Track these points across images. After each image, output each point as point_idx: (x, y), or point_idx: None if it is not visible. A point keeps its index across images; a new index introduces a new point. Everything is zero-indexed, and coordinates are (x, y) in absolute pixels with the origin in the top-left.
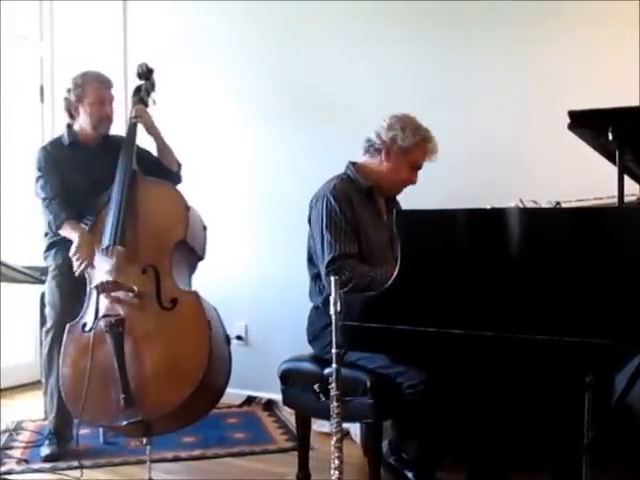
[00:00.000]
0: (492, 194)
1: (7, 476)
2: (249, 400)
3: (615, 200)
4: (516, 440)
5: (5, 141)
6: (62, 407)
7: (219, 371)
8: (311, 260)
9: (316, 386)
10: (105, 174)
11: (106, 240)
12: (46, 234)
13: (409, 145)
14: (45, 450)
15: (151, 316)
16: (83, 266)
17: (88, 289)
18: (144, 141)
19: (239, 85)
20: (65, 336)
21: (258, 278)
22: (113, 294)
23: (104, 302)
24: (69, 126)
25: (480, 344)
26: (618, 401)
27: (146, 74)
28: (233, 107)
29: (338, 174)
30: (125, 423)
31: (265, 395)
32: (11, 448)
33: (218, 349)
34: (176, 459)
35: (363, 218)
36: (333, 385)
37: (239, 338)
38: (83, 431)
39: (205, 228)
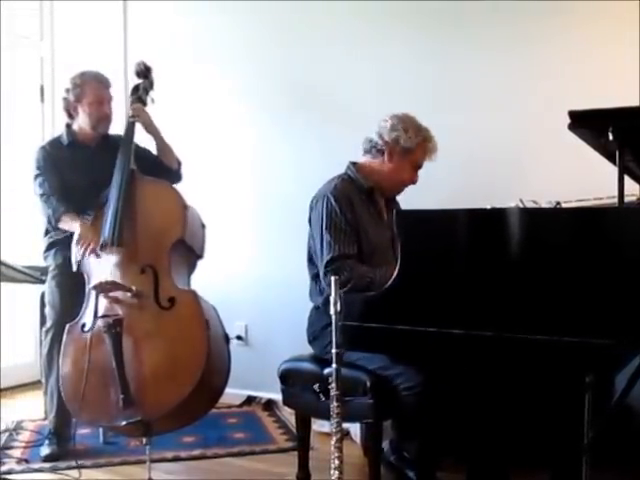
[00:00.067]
0: (492, 194)
1: (7, 476)
2: (249, 400)
3: (615, 200)
4: (516, 440)
5: (5, 141)
6: (62, 407)
7: (218, 370)
8: (311, 260)
9: (316, 386)
10: (104, 174)
11: (105, 233)
12: (46, 233)
13: (412, 146)
14: (45, 450)
15: (149, 316)
16: (89, 251)
17: (87, 289)
18: (144, 140)
19: (241, 85)
20: (65, 336)
21: (259, 278)
22: (111, 294)
23: (103, 302)
24: (68, 126)
25: (480, 344)
26: (618, 401)
27: (144, 72)
28: (236, 107)
29: (339, 174)
30: (124, 423)
31: (265, 395)
32: (11, 448)
33: (217, 348)
34: (176, 459)
35: (364, 218)
36: (333, 385)
37: (239, 338)
38: (83, 431)
39: (204, 227)
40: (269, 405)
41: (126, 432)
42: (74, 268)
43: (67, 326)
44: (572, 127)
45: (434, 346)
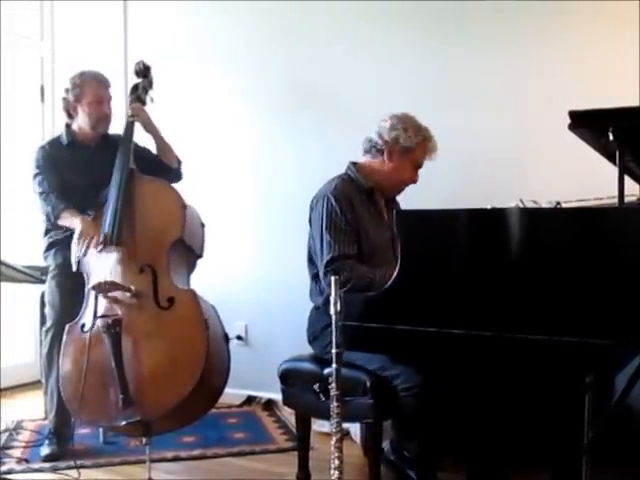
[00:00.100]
0: (492, 194)
1: (7, 475)
2: (249, 400)
3: (615, 200)
4: (516, 440)
5: (5, 141)
6: (62, 407)
7: (217, 370)
8: (311, 260)
9: (316, 386)
10: (104, 174)
11: (105, 229)
12: (46, 233)
13: (411, 145)
14: (45, 450)
15: (148, 316)
16: (91, 245)
17: (86, 289)
18: (143, 139)
19: (242, 85)
20: (64, 336)
21: (259, 278)
22: (110, 294)
23: (102, 302)
24: (68, 126)
25: (481, 344)
26: (618, 401)
27: (143, 72)
28: (236, 107)
29: (339, 174)
30: (124, 423)
31: (265, 395)
32: (11, 448)
33: (216, 348)
34: (176, 459)
35: (364, 218)
36: (333, 385)
37: (239, 338)
38: (83, 431)
39: (203, 226)
40: (269, 405)
41: (126, 432)
42: (74, 268)
43: (67, 326)
44: (572, 127)
45: (434, 346)
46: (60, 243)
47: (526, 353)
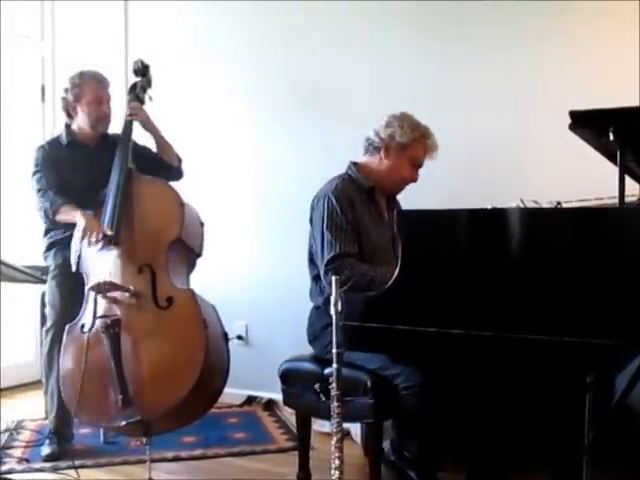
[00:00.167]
0: (493, 194)
1: (8, 475)
2: (249, 400)
3: (616, 200)
4: (516, 440)
5: (6, 141)
6: (62, 407)
7: (217, 369)
8: (312, 260)
9: (317, 386)
10: (103, 173)
11: (106, 220)
12: (46, 233)
13: (407, 141)
14: (46, 450)
15: (147, 315)
16: (100, 236)
17: (86, 289)
18: (143, 137)
19: (243, 85)
20: (65, 337)
21: (259, 278)
22: (109, 294)
23: (102, 302)
24: (67, 126)
25: (481, 344)
26: (619, 402)
27: (142, 71)
28: (237, 107)
29: (339, 174)
30: (124, 423)
31: (265, 395)
32: (12, 447)
33: (215, 347)
34: (176, 459)
35: (364, 218)
36: (334, 385)
37: (240, 338)
38: (84, 431)
39: (202, 225)
40: (269, 405)
41: (126, 432)
42: (73, 268)
43: (67, 326)
44: (573, 127)
45: (435, 346)
46: (60, 243)
47: (526, 353)
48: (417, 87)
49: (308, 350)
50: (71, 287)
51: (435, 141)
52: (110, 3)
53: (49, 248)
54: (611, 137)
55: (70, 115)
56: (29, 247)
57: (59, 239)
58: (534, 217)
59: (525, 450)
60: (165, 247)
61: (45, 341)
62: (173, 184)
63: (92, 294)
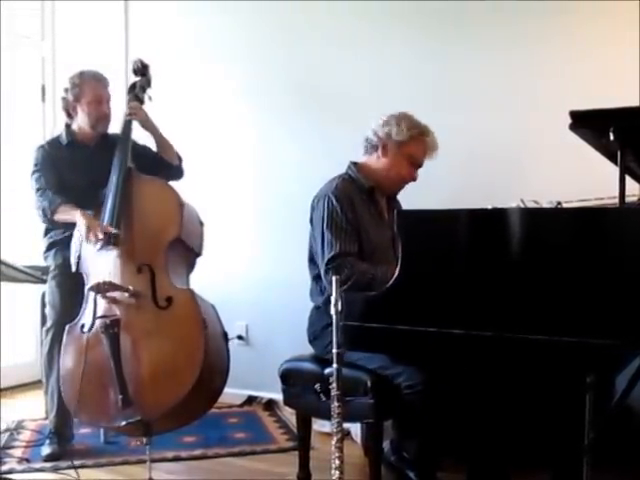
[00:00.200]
0: (493, 194)
1: (8, 475)
2: (250, 400)
3: (616, 200)
4: (517, 440)
5: (6, 141)
6: (62, 406)
7: (216, 369)
8: (312, 260)
9: (317, 386)
10: (103, 173)
11: (105, 220)
12: (46, 233)
13: (404, 139)
14: (46, 449)
15: (147, 315)
16: (101, 236)
17: (85, 290)
18: (143, 137)
19: (244, 85)
20: (65, 337)
21: (260, 278)
22: (109, 294)
23: (101, 303)
24: (68, 126)
25: (482, 344)
26: (619, 402)
27: (141, 70)
28: (238, 107)
29: (340, 174)
30: (124, 423)
31: (266, 395)
32: (12, 447)
33: (215, 347)
34: (177, 459)
35: (365, 218)
36: (334, 385)
37: (240, 338)
38: (84, 430)
39: (202, 224)
40: (270, 405)
41: (126, 432)
42: (73, 268)
43: (67, 327)
44: (573, 127)
45: (435, 346)
46: (60, 243)
47: (527, 353)
48: (417, 87)
49: (308, 350)
50: (71, 287)
51: (434, 140)
52: (110, 3)
53: (49, 248)
54: (611, 137)
55: (70, 115)
56: (29, 247)
57: (59, 239)
58: (534, 217)
59: (525, 450)
60: (164, 247)
61: (45, 341)
62: (173, 183)
63: (92, 294)
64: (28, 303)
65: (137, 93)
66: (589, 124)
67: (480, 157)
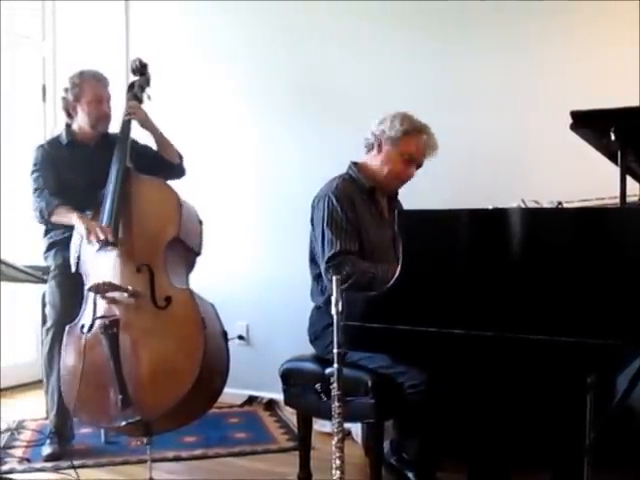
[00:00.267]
0: (494, 194)
1: (9, 475)
2: (250, 400)
3: (617, 200)
4: (517, 440)
5: (7, 141)
6: (62, 406)
7: (216, 368)
8: (313, 260)
9: (317, 386)
10: (104, 173)
11: (104, 220)
12: (46, 233)
13: (397, 135)
14: (46, 449)
15: (146, 315)
16: (101, 237)
17: (85, 290)
18: (144, 136)
19: (245, 85)
20: (65, 337)
21: (261, 278)
22: (108, 294)
23: (101, 303)
24: (68, 126)
25: (483, 344)
26: (620, 402)
27: (140, 69)
28: (239, 107)
29: (340, 174)
30: (124, 423)
31: (266, 395)
32: (13, 447)
33: (214, 346)
34: (177, 459)
35: (365, 218)
36: (334, 385)
37: (241, 338)
38: (84, 430)
39: (201, 223)
40: (270, 405)
41: (127, 432)
42: (73, 268)
43: (67, 327)
44: (574, 127)
45: (436, 346)
46: (60, 243)
47: (527, 353)
48: (418, 87)
49: (309, 350)
50: (71, 287)
51: (433, 139)
52: (111, 3)
53: (49, 248)
54: (612, 137)
55: (70, 115)
56: (30, 247)
57: (59, 239)
58: (535, 217)
59: (526, 450)
60: (163, 247)
61: (45, 340)
62: (173, 183)
63: (91, 295)
64: (28, 303)
65: (136, 92)
66: (590, 124)
67: (481, 157)
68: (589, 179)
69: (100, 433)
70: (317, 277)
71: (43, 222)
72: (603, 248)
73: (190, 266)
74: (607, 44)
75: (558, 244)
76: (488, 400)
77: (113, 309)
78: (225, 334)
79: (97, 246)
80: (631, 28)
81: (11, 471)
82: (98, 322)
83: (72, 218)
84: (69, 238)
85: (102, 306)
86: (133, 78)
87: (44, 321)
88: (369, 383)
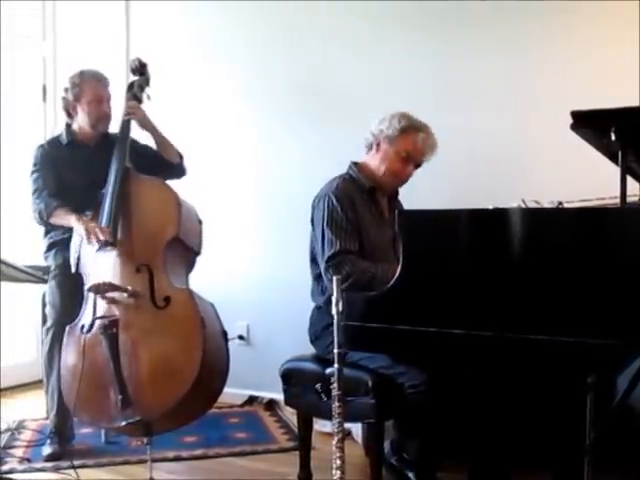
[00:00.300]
0: (494, 194)
1: (9, 475)
2: (251, 400)
3: (617, 200)
4: (518, 440)
5: (7, 141)
6: (62, 406)
7: (216, 368)
8: (314, 260)
9: (318, 386)
10: (104, 173)
11: (103, 221)
12: (46, 234)
13: (395, 133)
14: (47, 449)
15: (145, 315)
16: (100, 237)
17: (84, 290)
18: (145, 136)
19: (245, 85)
20: (65, 337)
21: (261, 278)
22: (108, 295)
23: (101, 303)
24: (68, 125)
25: (483, 344)
26: (620, 402)
27: (139, 69)
28: (239, 107)
29: (340, 174)
30: (124, 424)
31: (267, 395)
32: (13, 447)
33: (213, 346)
34: (178, 459)
35: (365, 218)
36: (335, 385)
37: (241, 338)
38: (85, 430)
39: (201, 222)
40: (271, 405)
41: (127, 432)
42: (73, 269)
43: (67, 327)
44: (574, 127)
45: (437, 347)
46: (60, 244)
47: (528, 353)
48: (419, 87)
49: (309, 350)
50: (71, 287)
51: (432, 138)
52: (111, 3)
53: (49, 248)
54: (612, 137)
55: (70, 115)
56: (30, 247)
57: (59, 239)
58: (535, 217)
59: (527, 450)
60: (162, 247)
61: (45, 340)
62: (173, 183)
63: (91, 295)
64: (28, 303)
65: (135, 92)
66: (590, 124)
67: (481, 157)
68: (589, 179)
69: (100, 433)
70: (318, 277)
71: (42, 224)
72: (603, 248)
73: (190, 266)
74: (607, 44)
75: (558, 244)
76: (488, 400)
77: (113, 309)
78: (225, 333)
79: (97, 246)
80: (631, 28)
81: (11, 471)
82: (98, 322)
83: (71, 220)
84: (69, 238)
85: (102, 306)
86: (133, 78)
87: (44, 321)
88: (369, 383)
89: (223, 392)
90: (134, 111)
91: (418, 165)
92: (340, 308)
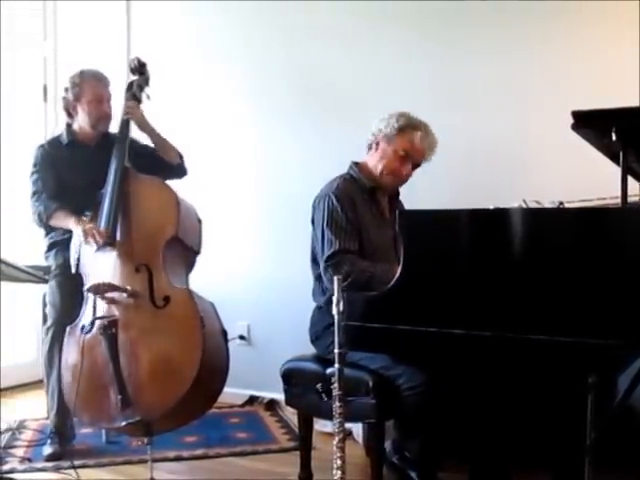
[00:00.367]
0: (495, 194)
1: (10, 475)
2: (251, 400)
3: (618, 201)
4: (518, 441)
5: (7, 141)
6: (63, 406)
7: (216, 367)
8: (315, 260)
9: (319, 386)
10: (104, 173)
11: (102, 222)
12: (47, 234)
13: (393, 131)
14: (47, 449)
15: (145, 315)
16: (99, 239)
17: (84, 291)
18: (144, 136)
19: (245, 85)
20: (65, 338)
21: (261, 278)
22: (107, 295)
23: (100, 304)
24: (68, 125)
25: (484, 345)
26: (621, 402)
27: (139, 69)
28: (239, 107)
29: (341, 174)
30: (124, 424)
31: (267, 395)
32: (14, 447)
33: (213, 345)
34: (178, 459)
35: (365, 218)
36: (336, 385)
37: (242, 338)
38: (85, 430)
39: (200, 222)
40: (271, 405)
41: (127, 432)
42: (73, 269)
43: (68, 328)
44: (575, 127)
45: (438, 346)
46: (61, 244)
47: (528, 353)
48: (419, 87)
49: (310, 350)
50: (72, 287)
51: (431, 137)
52: (112, 3)
53: (50, 248)
54: (613, 137)
55: (71, 114)
56: (30, 247)
57: (60, 240)
58: (536, 217)
59: (527, 450)
60: (161, 246)
61: (45, 339)
62: (173, 182)
63: (91, 295)
64: (29, 303)
65: (134, 92)
66: (591, 124)
67: (482, 157)
68: (590, 179)
69: (101, 433)
70: (319, 277)
71: (42, 226)
72: (604, 248)
73: (190, 265)
74: (608, 44)
75: (559, 244)
76: (489, 400)
77: (112, 309)
78: (225, 333)
79: (95, 246)
80: (632, 28)
81: (12, 471)
82: (97, 322)
83: (69, 223)
84: (70, 238)
85: (101, 307)
86: (132, 77)
87: (45, 321)
88: (370, 383)
89: (224, 392)
90: (132, 111)
91: (417, 165)
92: (341, 308)
